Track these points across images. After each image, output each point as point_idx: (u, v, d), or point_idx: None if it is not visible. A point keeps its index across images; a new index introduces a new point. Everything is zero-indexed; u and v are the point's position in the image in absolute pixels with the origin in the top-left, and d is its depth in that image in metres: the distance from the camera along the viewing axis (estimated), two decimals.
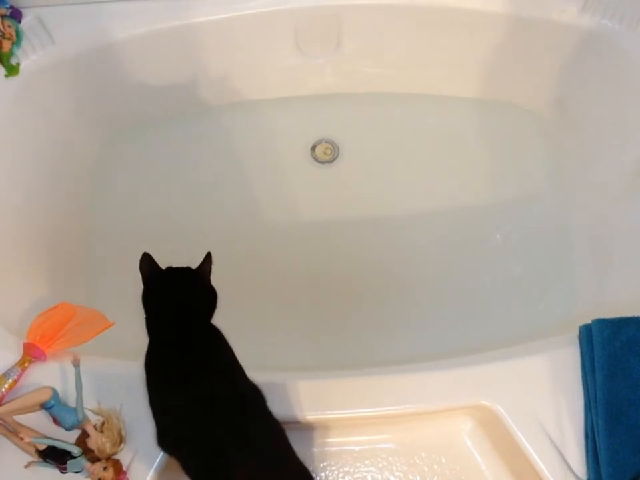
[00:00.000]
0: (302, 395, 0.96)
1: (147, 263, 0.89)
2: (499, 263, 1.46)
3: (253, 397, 0.87)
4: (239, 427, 0.82)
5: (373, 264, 1.47)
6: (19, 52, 1.27)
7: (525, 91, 1.58)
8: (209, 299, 0.90)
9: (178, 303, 0.87)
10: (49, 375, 0.95)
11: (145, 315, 0.88)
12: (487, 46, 1.48)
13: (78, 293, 1.37)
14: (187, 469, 0.83)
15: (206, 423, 0.81)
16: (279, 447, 0.85)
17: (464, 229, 1.50)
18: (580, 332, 0.99)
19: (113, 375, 0.98)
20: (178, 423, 0.83)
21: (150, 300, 0.88)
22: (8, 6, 1.26)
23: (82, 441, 0.89)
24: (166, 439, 0.85)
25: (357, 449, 1.07)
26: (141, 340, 1.14)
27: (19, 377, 0.93)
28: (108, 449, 0.88)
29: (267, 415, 0.86)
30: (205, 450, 0.81)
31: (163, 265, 1.44)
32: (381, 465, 1.06)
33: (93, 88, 1.45)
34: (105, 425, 0.89)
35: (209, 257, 0.90)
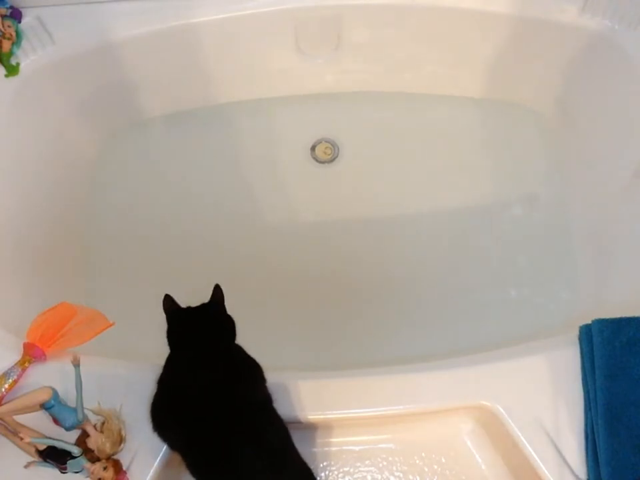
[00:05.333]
0: (302, 395, 0.96)
1: (169, 303, 0.91)
2: (499, 262, 1.46)
3: (259, 395, 0.88)
4: (244, 425, 0.83)
5: (372, 263, 1.47)
6: (18, 52, 1.27)
7: (526, 91, 1.58)
8: (229, 328, 0.91)
9: (202, 341, 0.89)
10: (49, 375, 0.95)
11: (169, 349, 0.90)
12: (488, 46, 1.48)
13: (78, 293, 1.37)
14: (190, 467, 0.83)
15: (211, 420, 0.82)
16: (283, 445, 0.85)
17: (464, 228, 1.50)
18: (580, 332, 0.99)
19: (113, 375, 0.98)
20: (182, 410, 0.84)
21: (174, 339, 0.90)
22: (8, 6, 1.26)
23: (82, 441, 0.89)
24: (162, 415, 0.86)
25: (356, 448, 1.07)
26: (141, 341, 1.14)
27: (19, 376, 0.93)
28: (108, 448, 0.87)
29: (272, 413, 0.87)
30: (209, 447, 0.81)
31: (163, 265, 1.45)
32: (381, 465, 1.06)
33: (93, 88, 1.45)
34: (105, 425, 0.89)
35: (217, 289, 0.92)
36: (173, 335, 0.89)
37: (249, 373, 0.89)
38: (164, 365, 0.89)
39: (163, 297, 0.90)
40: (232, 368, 0.88)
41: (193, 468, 0.83)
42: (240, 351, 0.91)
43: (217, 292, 0.92)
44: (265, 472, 0.81)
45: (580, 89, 1.47)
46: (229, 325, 0.91)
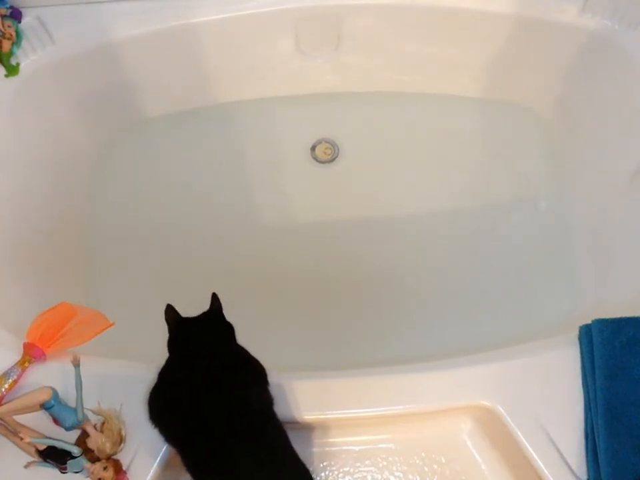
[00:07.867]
0: (302, 395, 0.96)
1: (171, 313, 0.91)
2: (499, 263, 1.46)
3: (260, 397, 0.88)
4: (244, 425, 0.83)
5: (373, 264, 1.47)
6: (18, 52, 1.27)
7: (526, 91, 1.58)
8: (229, 334, 0.92)
9: (203, 347, 0.89)
10: (49, 375, 0.95)
11: (169, 355, 0.90)
12: (487, 46, 1.48)
13: (78, 293, 1.37)
14: (186, 463, 0.83)
15: (210, 418, 0.83)
16: (282, 446, 0.85)
17: (464, 228, 1.50)
18: (580, 332, 0.99)
19: (113, 375, 0.98)
20: (180, 405, 0.85)
21: (176, 347, 0.90)
22: (8, 6, 1.26)
23: (82, 441, 0.89)
24: (159, 407, 0.87)
25: (356, 448, 1.07)
26: (141, 341, 1.14)
27: (19, 376, 0.93)
28: (108, 448, 0.87)
29: (272, 416, 0.87)
30: (207, 445, 0.81)
31: (163, 265, 1.45)
32: (381, 465, 1.06)
33: (93, 88, 1.45)
34: (105, 425, 0.89)
35: (214, 298, 0.92)
36: (175, 344, 0.90)
37: (252, 374, 0.90)
38: (167, 358, 0.89)
39: (165, 307, 0.90)
40: (234, 368, 0.88)
41: (189, 465, 0.83)
42: (244, 352, 0.91)
43: (215, 300, 0.92)
44: (263, 471, 0.81)
45: (580, 89, 1.47)
46: (228, 331, 0.92)
